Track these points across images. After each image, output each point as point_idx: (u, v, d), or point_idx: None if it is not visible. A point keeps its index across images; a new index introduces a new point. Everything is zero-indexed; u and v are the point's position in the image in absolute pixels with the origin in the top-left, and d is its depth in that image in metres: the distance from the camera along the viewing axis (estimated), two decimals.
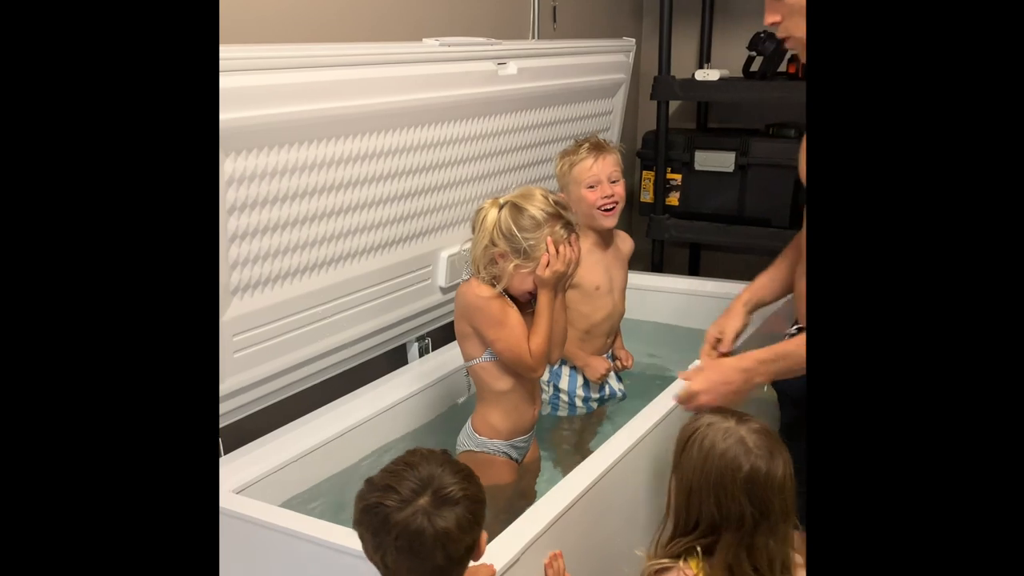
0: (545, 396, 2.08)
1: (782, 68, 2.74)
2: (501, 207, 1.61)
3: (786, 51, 2.69)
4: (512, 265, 1.59)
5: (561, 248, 1.60)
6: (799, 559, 1.20)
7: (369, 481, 1.08)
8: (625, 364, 2.16)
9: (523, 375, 1.66)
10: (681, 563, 1.19)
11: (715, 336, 1.76)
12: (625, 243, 2.15)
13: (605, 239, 2.06)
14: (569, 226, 1.62)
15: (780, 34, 1.51)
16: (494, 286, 1.62)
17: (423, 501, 1.03)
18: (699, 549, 1.18)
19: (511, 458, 1.74)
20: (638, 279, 2.64)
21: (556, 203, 1.62)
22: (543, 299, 1.62)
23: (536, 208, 1.59)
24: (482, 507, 1.07)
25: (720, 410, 1.25)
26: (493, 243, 1.60)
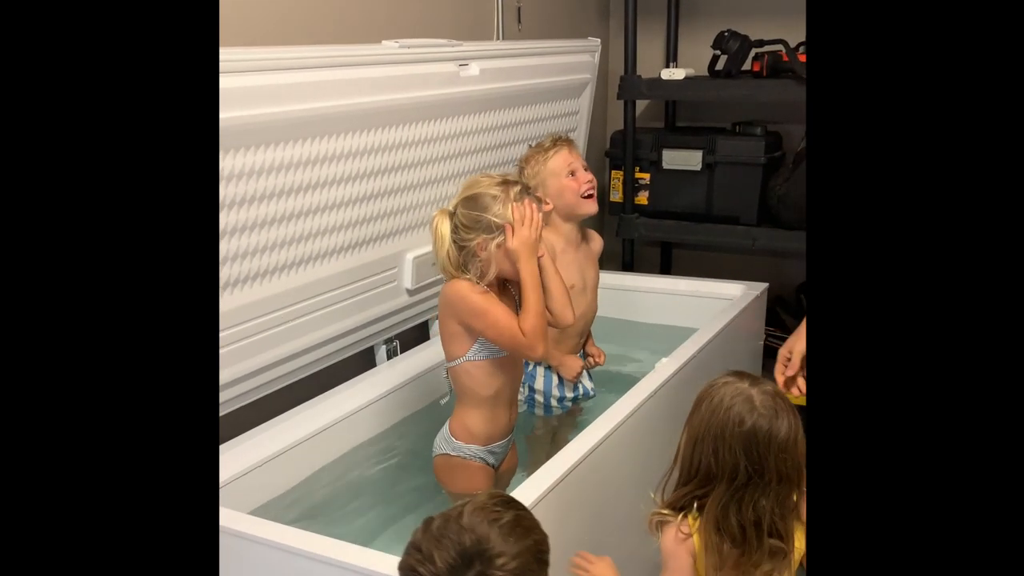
0: (520, 396, 2.08)
1: (746, 67, 2.75)
2: (452, 212, 1.60)
3: (749, 50, 2.71)
4: (494, 244, 1.58)
5: (517, 212, 1.58)
6: (799, 541, 1.26)
7: (425, 526, 0.97)
8: (598, 360, 2.16)
9: (525, 356, 1.65)
10: (680, 517, 1.26)
11: (785, 356, 1.76)
12: (595, 242, 2.17)
13: (578, 238, 2.08)
14: (525, 189, 1.63)
15: None
16: (480, 279, 1.60)
17: None
18: (696, 504, 1.25)
19: (488, 464, 1.73)
20: (610, 278, 2.64)
21: (502, 175, 1.64)
22: (525, 271, 1.59)
23: (486, 188, 1.60)
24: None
25: (738, 372, 1.29)
26: (462, 242, 1.59)
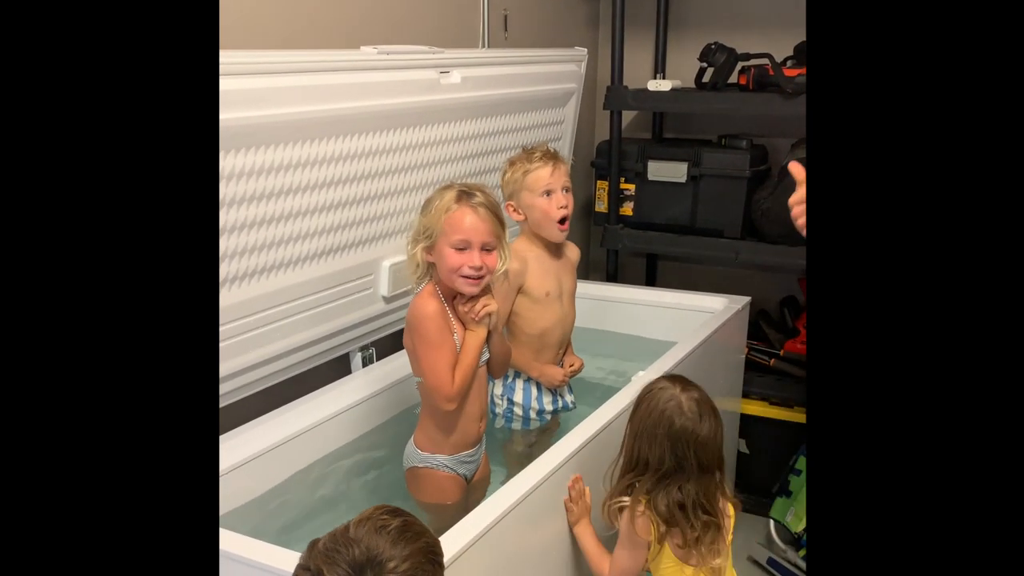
0: (499, 409, 2.07)
1: (733, 80, 2.75)
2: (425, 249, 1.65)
3: (736, 63, 2.71)
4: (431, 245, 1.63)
5: (481, 303, 1.64)
6: (730, 511, 1.57)
7: (310, 548, 0.97)
8: (574, 368, 2.14)
9: (435, 401, 1.64)
10: (632, 500, 1.51)
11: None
12: (573, 252, 2.15)
13: (553, 247, 2.06)
14: (464, 195, 1.63)
15: None
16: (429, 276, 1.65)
17: None
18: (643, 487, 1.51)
19: (457, 474, 1.72)
20: (594, 289, 2.65)
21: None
22: (472, 335, 1.65)
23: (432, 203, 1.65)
24: None
25: (672, 377, 1.56)
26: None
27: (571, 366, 2.13)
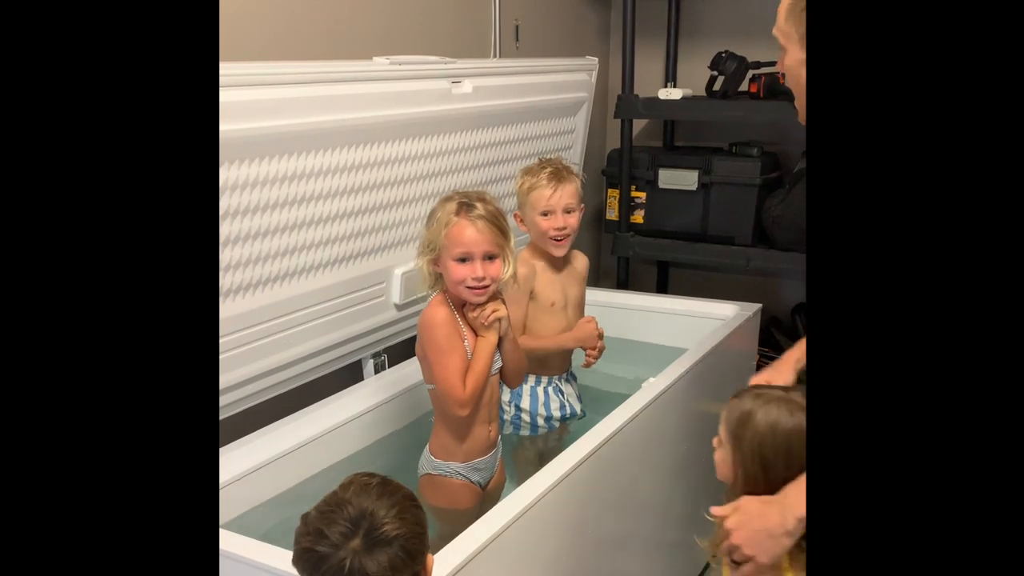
0: (507, 416, 2.08)
1: (743, 88, 2.76)
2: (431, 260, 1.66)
3: (746, 71, 2.72)
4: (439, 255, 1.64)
5: (489, 308, 1.65)
6: None
7: (304, 519, 1.06)
8: (591, 359, 2.11)
9: (448, 408, 1.65)
10: None
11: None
12: (580, 262, 2.16)
13: (558, 258, 2.08)
14: (464, 207, 1.63)
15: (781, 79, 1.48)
16: (439, 284, 1.67)
17: (354, 544, 1.01)
18: None
19: (472, 481, 1.73)
20: (604, 296, 2.65)
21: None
22: (483, 340, 1.66)
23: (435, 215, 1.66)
24: (420, 539, 1.06)
25: (761, 386, 1.29)
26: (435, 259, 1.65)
27: (588, 357, 2.09)
